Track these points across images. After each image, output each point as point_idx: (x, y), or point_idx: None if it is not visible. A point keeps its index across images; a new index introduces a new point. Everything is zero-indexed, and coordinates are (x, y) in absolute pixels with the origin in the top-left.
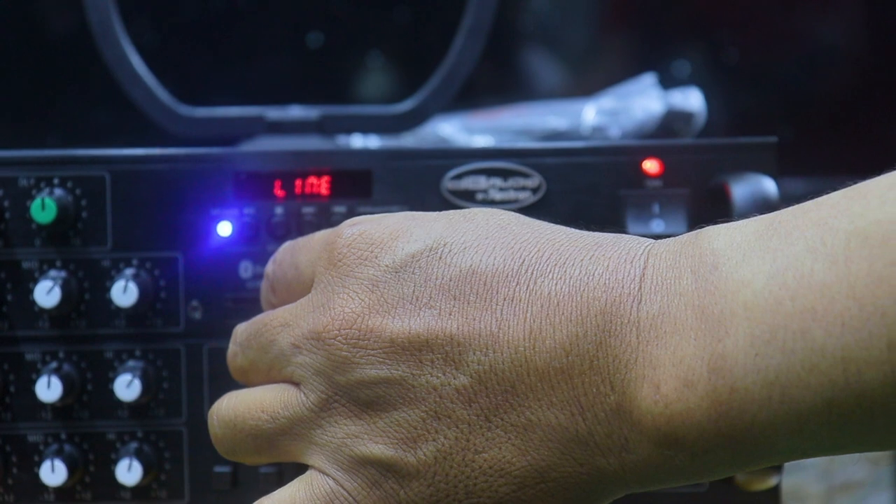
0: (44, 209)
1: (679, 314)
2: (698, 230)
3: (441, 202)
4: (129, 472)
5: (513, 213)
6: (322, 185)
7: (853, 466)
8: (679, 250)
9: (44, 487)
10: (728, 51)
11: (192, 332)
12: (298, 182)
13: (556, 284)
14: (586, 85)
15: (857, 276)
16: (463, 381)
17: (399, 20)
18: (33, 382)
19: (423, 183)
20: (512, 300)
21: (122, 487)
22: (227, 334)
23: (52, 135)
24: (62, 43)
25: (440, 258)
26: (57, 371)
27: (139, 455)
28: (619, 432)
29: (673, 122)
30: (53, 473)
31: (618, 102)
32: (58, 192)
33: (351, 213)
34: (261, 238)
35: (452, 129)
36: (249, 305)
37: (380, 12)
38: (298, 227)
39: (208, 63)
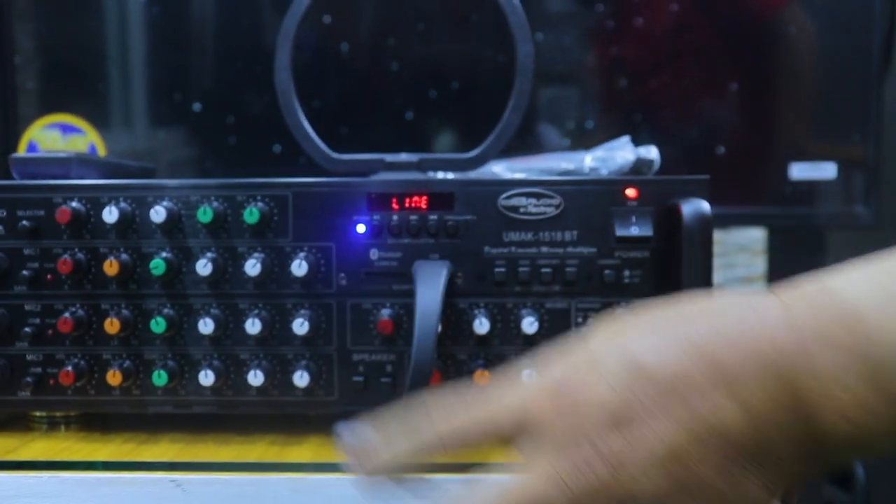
0: (251, 215)
1: (843, 362)
2: (817, 281)
3: (496, 213)
4: (301, 379)
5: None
6: (422, 202)
7: None
8: (816, 304)
9: (249, 387)
10: (668, 122)
11: (340, 293)
12: (407, 200)
13: (727, 357)
14: (586, 142)
15: None
16: None
17: (468, 99)
18: (244, 322)
19: (487, 201)
20: (702, 395)
21: (297, 388)
22: (361, 295)
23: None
24: (263, 114)
25: (640, 383)
26: (258, 315)
27: (307, 369)
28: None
29: (640, 166)
30: (256, 378)
31: (606, 153)
32: (260, 204)
33: (440, 221)
34: (383, 234)
35: (500, 169)
36: (375, 277)
37: (456, 94)
38: (407, 227)
39: (349, 124)
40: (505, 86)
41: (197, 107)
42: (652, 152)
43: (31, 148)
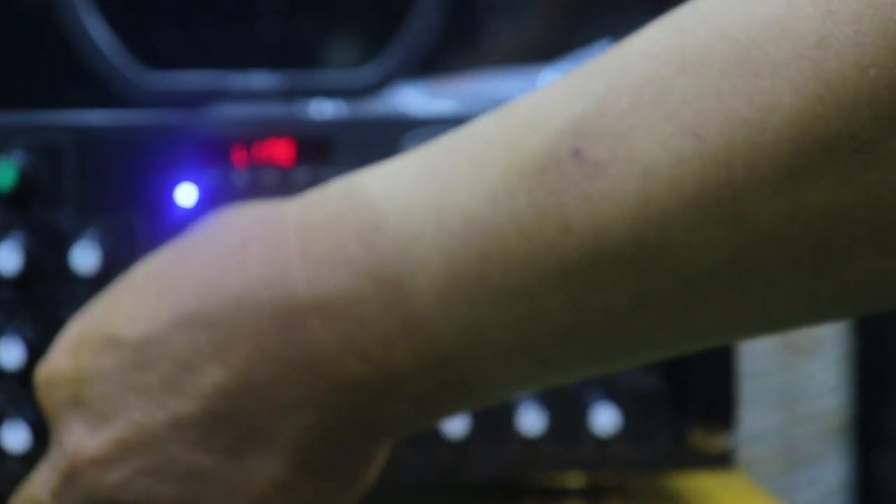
0: (3, 175)
1: (355, 284)
2: (349, 181)
3: None
4: None
5: (166, 252)
6: (285, 151)
7: (810, 435)
8: (335, 213)
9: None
10: None
11: None
12: (260, 148)
13: (219, 314)
14: (547, 52)
15: (520, 212)
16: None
17: None
18: None
19: (382, 149)
20: (178, 364)
21: None
22: None
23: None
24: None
25: (110, 352)
26: (19, 334)
27: None
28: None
29: None
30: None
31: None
32: (19, 155)
33: (313, 180)
34: (222, 203)
35: (414, 98)
36: None
37: None
38: (260, 193)
39: (170, 25)
40: None
41: None
42: None
43: None
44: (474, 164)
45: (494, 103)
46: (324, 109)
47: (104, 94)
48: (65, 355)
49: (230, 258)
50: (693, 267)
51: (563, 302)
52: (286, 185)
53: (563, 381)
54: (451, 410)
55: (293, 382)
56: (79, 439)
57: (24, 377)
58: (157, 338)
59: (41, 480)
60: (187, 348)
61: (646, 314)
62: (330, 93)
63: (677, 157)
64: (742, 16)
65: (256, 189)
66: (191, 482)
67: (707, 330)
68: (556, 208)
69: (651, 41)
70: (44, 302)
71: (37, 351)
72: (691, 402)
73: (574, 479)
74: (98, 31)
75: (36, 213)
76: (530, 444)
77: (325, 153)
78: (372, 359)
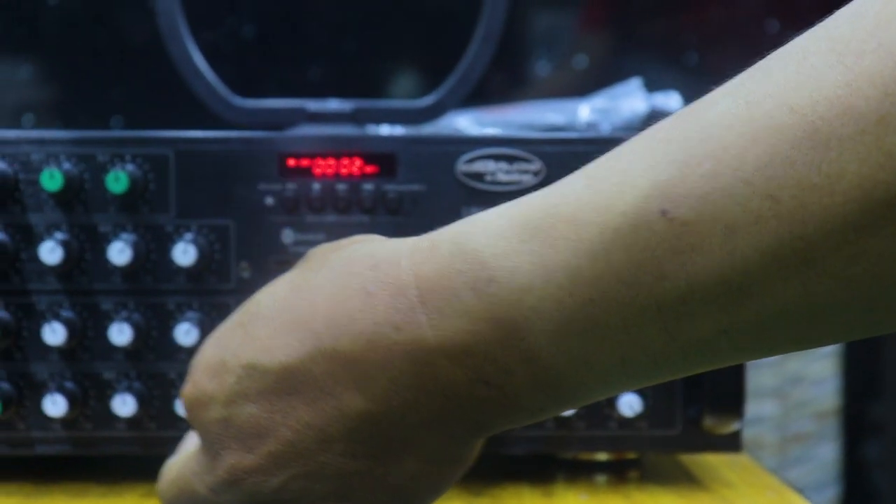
0: (117, 182)
1: (475, 328)
2: (455, 238)
3: (454, 182)
4: None
5: (284, 285)
6: (354, 165)
7: (804, 420)
8: (448, 268)
9: (115, 417)
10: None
11: (241, 289)
12: (333, 163)
13: (353, 352)
14: (581, 88)
15: (618, 265)
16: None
17: (422, 26)
18: (107, 328)
19: (441, 166)
20: (320, 391)
21: (181, 420)
22: None
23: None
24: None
25: (252, 378)
26: (128, 319)
27: None
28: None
29: (655, 120)
30: (125, 405)
31: (608, 102)
32: (130, 167)
33: (378, 192)
34: (300, 209)
35: (466, 123)
36: (288, 267)
37: (405, 18)
38: (334, 201)
39: (260, 60)
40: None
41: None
42: (672, 100)
43: None
44: (572, 224)
45: (532, 129)
46: (387, 131)
47: (205, 116)
48: (208, 378)
49: (355, 301)
50: (770, 301)
51: (657, 331)
52: (356, 196)
53: (633, 389)
54: (554, 415)
55: (425, 405)
56: (237, 455)
57: (131, 353)
58: (297, 368)
59: (194, 472)
60: (327, 379)
61: (727, 339)
62: (393, 118)
63: (756, 217)
64: (808, 93)
65: (328, 199)
66: (340, 481)
67: (776, 349)
68: (650, 261)
69: (721, 113)
70: (149, 291)
71: (141, 332)
72: (704, 391)
73: (600, 453)
74: (200, 64)
75: (143, 215)
76: (564, 423)
77: (390, 168)
78: (495, 385)
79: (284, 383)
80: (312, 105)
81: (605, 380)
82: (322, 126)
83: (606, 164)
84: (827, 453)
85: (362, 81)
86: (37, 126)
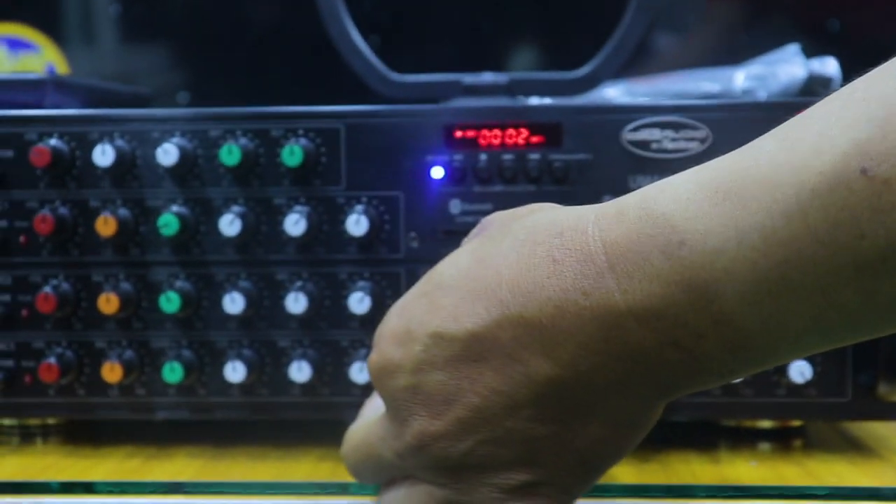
0: (292, 155)
1: (665, 292)
2: (642, 203)
3: (620, 150)
4: (360, 373)
5: (466, 255)
6: (520, 136)
7: None
8: (637, 233)
9: (291, 384)
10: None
11: (411, 258)
12: (499, 133)
13: (541, 318)
14: (734, 56)
15: (815, 225)
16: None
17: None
18: (284, 297)
19: (606, 134)
20: (507, 357)
21: (354, 385)
22: (439, 261)
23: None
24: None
25: (439, 346)
26: (303, 288)
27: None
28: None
29: (813, 85)
30: (300, 372)
31: (765, 69)
32: (303, 140)
33: (545, 161)
34: (468, 180)
35: (617, 94)
36: (457, 237)
37: None
38: (500, 170)
39: (416, 37)
40: None
41: (187, 17)
42: (829, 66)
43: None
44: (766, 185)
45: (686, 97)
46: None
47: (366, 92)
48: (395, 347)
49: (542, 269)
50: None
51: (854, 291)
52: (522, 166)
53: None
54: (741, 377)
55: (612, 369)
56: (425, 421)
57: (305, 322)
58: (484, 335)
59: (380, 437)
60: (514, 345)
61: None
62: (547, 89)
63: None
64: None
65: (495, 169)
66: (526, 445)
67: None
68: (849, 220)
69: None
70: (322, 262)
71: (315, 301)
72: (879, 357)
73: (765, 421)
74: (360, 45)
75: (316, 188)
76: (731, 390)
77: (556, 137)
78: (684, 348)
79: (471, 350)
80: (468, 78)
81: (797, 341)
82: (479, 99)
83: (799, 125)
84: None
85: (516, 54)
86: (192, 105)
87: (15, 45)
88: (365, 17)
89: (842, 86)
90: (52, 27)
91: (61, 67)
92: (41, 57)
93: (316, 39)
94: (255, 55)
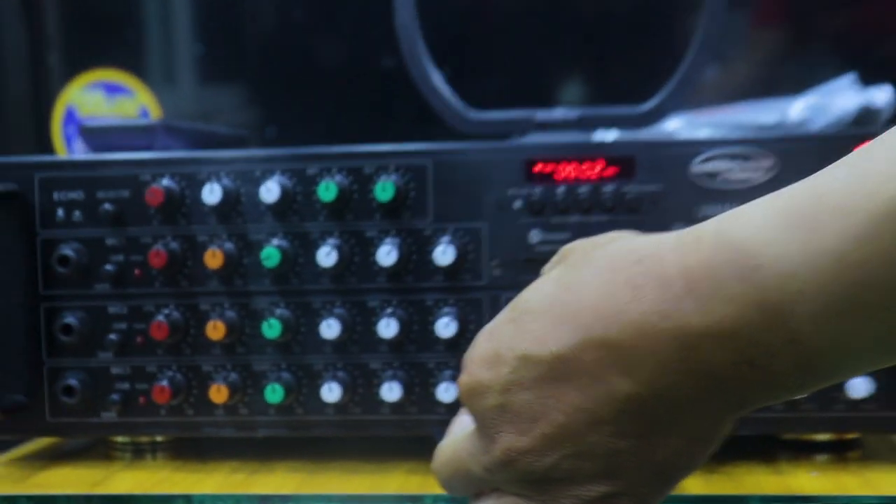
0: (384, 191)
1: (740, 313)
2: (717, 231)
3: (689, 181)
4: (445, 393)
5: (550, 283)
6: (595, 169)
7: None
8: (713, 259)
9: (382, 403)
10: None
11: (493, 285)
12: (575, 166)
13: (622, 340)
14: (789, 86)
15: (886, 248)
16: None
17: (640, 34)
18: (375, 323)
19: (676, 166)
20: (590, 377)
21: (440, 404)
22: (520, 287)
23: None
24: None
25: (526, 367)
26: (392, 315)
27: (454, 380)
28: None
29: (866, 116)
30: (391, 392)
31: (821, 100)
32: (394, 177)
33: (618, 193)
34: (546, 211)
35: (678, 125)
36: (537, 265)
37: (622, 26)
38: (577, 201)
39: (489, 76)
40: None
41: (262, 56)
42: (882, 96)
43: (70, 114)
44: (838, 211)
45: (744, 129)
46: (610, 136)
47: (444, 129)
48: (484, 369)
49: (623, 294)
50: None
51: None
52: (597, 197)
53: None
54: (809, 392)
55: (689, 387)
56: (512, 437)
57: (395, 345)
58: (568, 357)
59: (470, 453)
60: (597, 365)
61: None
62: (615, 123)
63: None
64: None
65: (571, 200)
66: (607, 459)
67: None
68: None
69: None
70: (410, 290)
71: (404, 326)
72: None
73: (821, 434)
74: (440, 85)
75: (405, 221)
76: (792, 405)
77: (629, 170)
78: (758, 366)
79: (556, 371)
80: (541, 114)
81: (860, 360)
82: (551, 134)
83: (868, 153)
84: None
85: (585, 90)
86: (278, 142)
87: (112, 89)
88: (433, 51)
89: (892, 116)
90: (141, 70)
91: (153, 109)
92: (135, 100)
93: (391, 76)
94: (332, 92)
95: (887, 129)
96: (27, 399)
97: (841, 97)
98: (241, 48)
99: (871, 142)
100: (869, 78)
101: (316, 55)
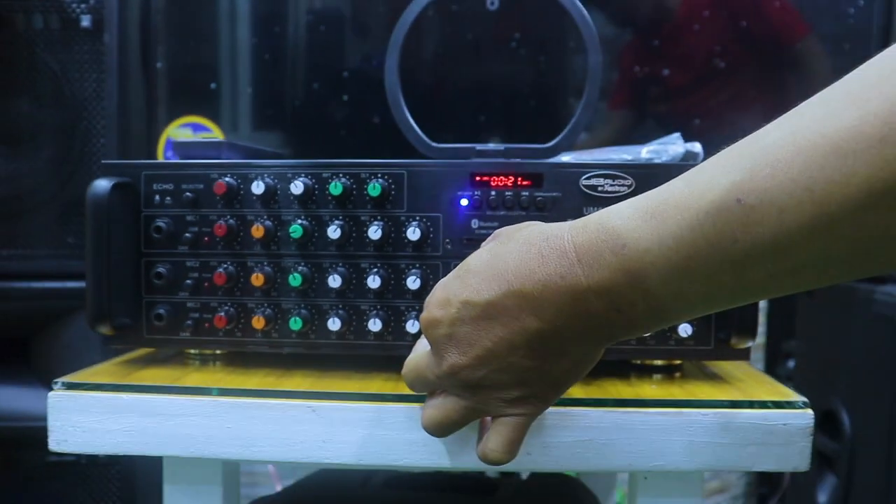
0: (374, 189)
1: (614, 276)
2: (598, 219)
3: (578, 191)
4: (412, 327)
5: (485, 252)
6: (516, 181)
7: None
8: (595, 238)
9: (368, 332)
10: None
11: (446, 255)
12: (503, 179)
13: (533, 292)
14: (641, 138)
15: (709, 234)
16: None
17: (543, 98)
18: (365, 278)
19: (570, 181)
20: (510, 317)
21: (408, 334)
22: (463, 258)
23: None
24: (377, 112)
25: (467, 309)
26: (378, 273)
27: (418, 318)
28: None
29: (688, 157)
30: (375, 325)
31: (659, 146)
32: (381, 180)
33: (531, 197)
34: (483, 207)
35: (569, 159)
36: (475, 243)
37: (532, 92)
38: (503, 202)
39: (445, 118)
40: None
41: (294, 111)
42: (697, 147)
43: (169, 144)
44: (677, 209)
45: (612, 161)
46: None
47: (416, 153)
48: (438, 309)
49: (534, 261)
50: (804, 255)
51: (730, 276)
52: (517, 199)
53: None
54: (656, 330)
55: (578, 325)
56: (455, 357)
57: (378, 293)
58: (495, 302)
59: (427, 365)
60: (515, 309)
61: (775, 281)
62: (528, 154)
63: (798, 202)
64: (832, 124)
65: (500, 201)
66: (521, 372)
67: (805, 286)
68: (728, 232)
69: (774, 138)
70: (390, 257)
71: (385, 281)
72: (731, 321)
73: (658, 360)
74: (412, 123)
75: (387, 210)
76: (641, 340)
77: (539, 182)
78: (623, 312)
79: (488, 312)
80: (480, 146)
81: (693, 308)
82: (486, 158)
83: (698, 171)
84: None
85: (511, 132)
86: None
87: (197, 128)
88: (409, 102)
89: (704, 157)
90: (216, 117)
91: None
92: (212, 135)
93: (379, 124)
94: (342, 134)
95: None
96: (131, 321)
97: (672, 145)
98: (280, 107)
99: (699, 164)
100: (686, 138)
101: (328, 111)
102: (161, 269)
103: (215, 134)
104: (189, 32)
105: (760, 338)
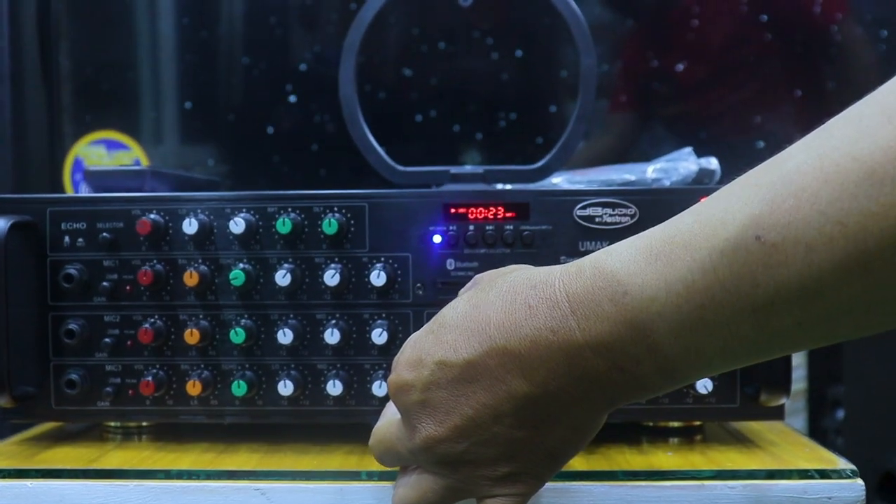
0: (329, 226)
1: (614, 329)
2: (594, 263)
3: (572, 223)
4: (379, 389)
5: (463, 302)
6: (497, 212)
7: None
8: (591, 285)
9: (327, 396)
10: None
11: (417, 303)
12: (482, 210)
13: (520, 350)
14: (648, 144)
15: (723, 278)
16: (503, 424)
17: (528, 112)
18: (322, 332)
19: (562, 211)
20: (494, 379)
21: (374, 398)
22: (438, 305)
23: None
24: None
25: (442, 370)
26: (336, 325)
27: (385, 378)
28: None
29: (702, 176)
30: (335, 388)
31: (668, 164)
32: (337, 215)
33: (516, 231)
34: (459, 244)
35: (561, 181)
36: (451, 287)
37: (515, 107)
38: (484, 237)
39: (414, 140)
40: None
41: (231, 120)
42: (713, 163)
43: (78, 164)
44: (687, 249)
45: (611, 184)
46: (509, 189)
47: (379, 180)
48: (409, 371)
49: (521, 313)
50: (837, 301)
51: (751, 326)
52: (500, 234)
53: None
54: (667, 392)
55: (573, 388)
56: (431, 427)
57: (338, 349)
58: (477, 362)
59: (397, 437)
60: (499, 370)
61: (802, 330)
62: (512, 178)
63: (829, 238)
64: (866, 146)
65: (479, 236)
66: (509, 445)
67: (839, 337)
68: (748, 274)
69: (798, 163)
70: (350, 305)
71: (345, 334)
72: (759, 374)
73: (674, 422)
74: (374, 144)
75: (346, 250)
76: (653, 399)
77: (525, 213)
78: (627, 371)
79: (467, 374)
80: (454, 169)
81: (710, 364)
82: (463, 184)
83: (710, 204)
84: (798, 423)
85: (489, 153)
86: (244, 188)
87: (112, 145)
88: (368, 118)
89: (721, 174)
90: (135, 131)
91: (144, 161)
92: (130, 154)
93: (335, 138)
94: (290, 152)
95: (721, 186)
96: (36, 390)
97: (683, 162)
98: (214, 116)
99: (712, 195)
100: (698, 152)
101: (275, 122)
102: (73, 326)
103: (134, 152)
104: (99, 25)
105: (801, 383)
